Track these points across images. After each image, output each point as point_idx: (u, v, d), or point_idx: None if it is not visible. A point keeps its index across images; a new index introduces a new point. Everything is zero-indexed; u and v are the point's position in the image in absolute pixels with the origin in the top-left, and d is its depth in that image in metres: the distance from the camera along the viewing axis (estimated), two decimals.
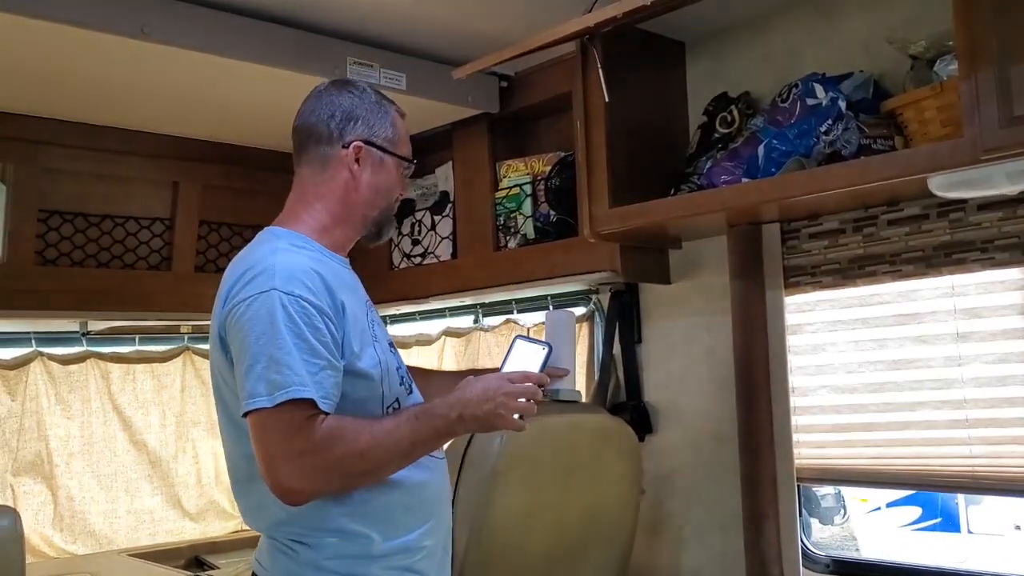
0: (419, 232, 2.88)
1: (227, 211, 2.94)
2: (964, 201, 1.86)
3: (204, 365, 3.32)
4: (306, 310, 1.42)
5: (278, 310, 1.40)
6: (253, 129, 2.70)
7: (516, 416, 1.47)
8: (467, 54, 2.30)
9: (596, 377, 2.57)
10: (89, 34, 1.89)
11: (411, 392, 1.62)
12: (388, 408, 1.52)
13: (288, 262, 1.47)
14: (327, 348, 1.42)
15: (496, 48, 2.14)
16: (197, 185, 2.83)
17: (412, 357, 3.15)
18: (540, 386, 1.50)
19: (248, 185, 2.93)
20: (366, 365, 1.49)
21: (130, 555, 2.96)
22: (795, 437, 2.14)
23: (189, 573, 2.84)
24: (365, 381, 1.49)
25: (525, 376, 1.50)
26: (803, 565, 2.12)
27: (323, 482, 1.42)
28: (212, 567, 2.96)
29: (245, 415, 1.40)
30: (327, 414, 1.40)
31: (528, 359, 1.54)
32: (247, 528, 3.35)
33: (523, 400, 1.47)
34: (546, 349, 1.54)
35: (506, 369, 1.53)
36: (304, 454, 1.38)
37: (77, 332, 3.01)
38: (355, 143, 1.59)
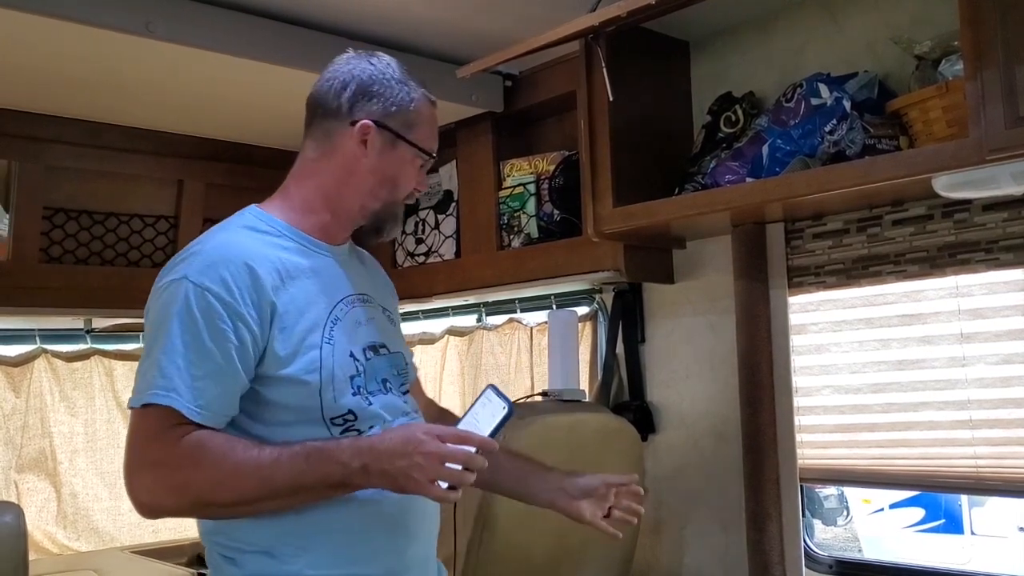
0: (423, 231, 2.88)
1: (231, 209, 2.85)
2: (969, 201, 1.85)
3: None
4: (211, 307, 1.27)
5: (180, 303, 1.28)
6: (257, 127, 2.71)
7: (440, 483, 1.22)
8: (471, 53, 2.30)
9: (599, 377, 2.56)
10: (94, 31, 1.89)
11: (397, 407, 1.43)
12: (333, 419, 1.34)
13: (217, 250, 1.34)
14: (224, 353, 1.27)
15: (500, 47, 2.14)
16: (201, 183, 2.83)
17: (415, 356, 3.15)
18: (485, 451, 1.25)
19: (252, 183, 2.91)
20: (295, 371, 1.32)
21: (133, 552, 2.96)
22: (798, 437, 2.14)
23: (192, 571, 2.84)
24: (295, 388, 1.32)
25: (460, 437, 1.24)
26: (806, 566, 2.11)
27: (172, 502, 1.27)
28: None
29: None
30: (201, 426, 1.25)
31: (484, 417, 1.29)
32: None
33: (451, 466, 1.22)
34: (505, 410, 1.28)
35: (462, 424, 1.29)
36: (157, 466, 1.25)
37: (81, 329, 3.01)
38: (363, 121, 1.41)
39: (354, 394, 1.37)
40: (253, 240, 1.38)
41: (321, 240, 1.46)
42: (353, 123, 1.42)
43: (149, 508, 1.29)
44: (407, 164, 1.46)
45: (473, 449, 1.24)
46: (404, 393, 1.50)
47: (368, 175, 1.44)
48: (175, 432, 1.24)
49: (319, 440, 1.30)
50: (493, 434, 1.28)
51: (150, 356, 1.28)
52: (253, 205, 1.47)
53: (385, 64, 1.46)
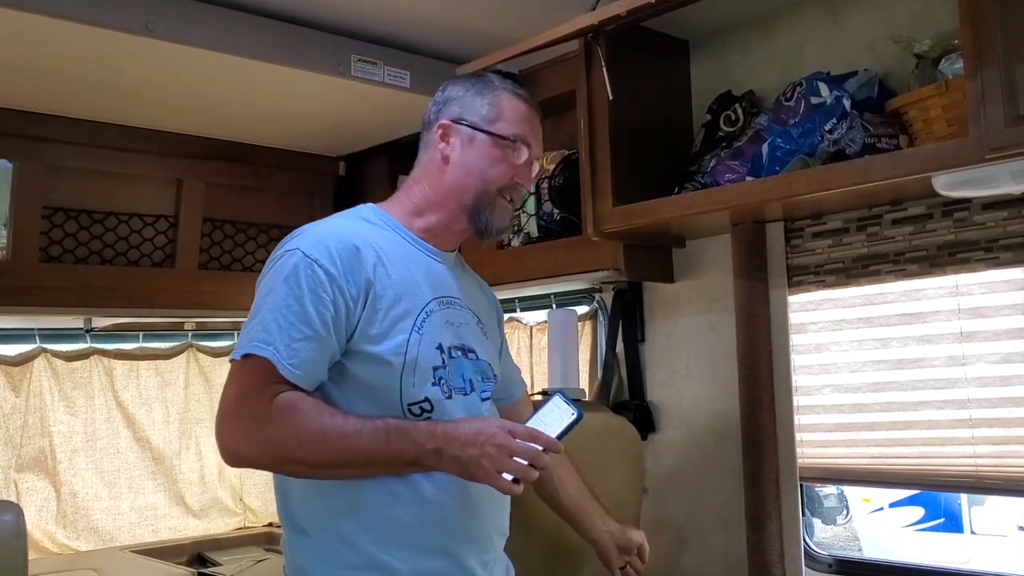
0: None
1: (231, 209, 2.94)
2: (968, 200, 1.85)
3: (207, 362, 3.32)
4: (316, 275, 1.38)
5: (289, 270, 1.39)
6: (257, 126, 2.71)
7: (507, 476, 1.31)
8: (471, 52, 2.30)
9: (599, 376, 2.56)
10: (93, 30, 1.89)
11: (476, 403, 1.51)
12: (409, 406, 1.42)
13: (327, 229, 1.46)
14: (323, 320, 1.37)
15: (500, 46, 2.14)
16: (201, 182, 2.83)
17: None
18: (551, 452, 1.35)
19: (252, 183, 2.93)
20: (382, 350, 1.41)
21: (133, 552, 2.96)
22: (798, 436, 2.14)
23: (192, 570, 2.85)
24: (379, 367, 1.41)
25: (531, 435, 1.34)
26: (806, 565, 2.11)
27: (255, 453, 1.38)
28: (215, 564, 2.96)
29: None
30: (295, 386, 1.35)
31: (552, 420, 1.39)
32: (250, 525, 3.36)
33: (519, 460, 1.31)
34: (574, 415, 1.39)
35: (530, 424, 1.38)
36: (247, 418, 1.35)
37: (81, 329, 3.01)
38: (442, 121, 1.55)
39: (434, 384, 1.45)
40: (363, 227, 1.50)
41: (426, 241, 1.57)
42: (438, 127, 1.56)
43: (234, 455, 1.39)
44: (493, 156, 1.54)
45: (541, 448, 1.33)
46: (485, 400, 1.56)
47: (456, 170, 1.55)
48: (270, 389, 1.34)
49: (400, 419, 1.39)
50: (560, 437, 1.37)
51: (257, 315, 1.39)
52: (370, 203, 1.60)
53: (478, 77, 1.60)
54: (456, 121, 1.55)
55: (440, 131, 1.56)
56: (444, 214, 1.56)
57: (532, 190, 2.50)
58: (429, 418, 1.42)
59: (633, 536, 1.77)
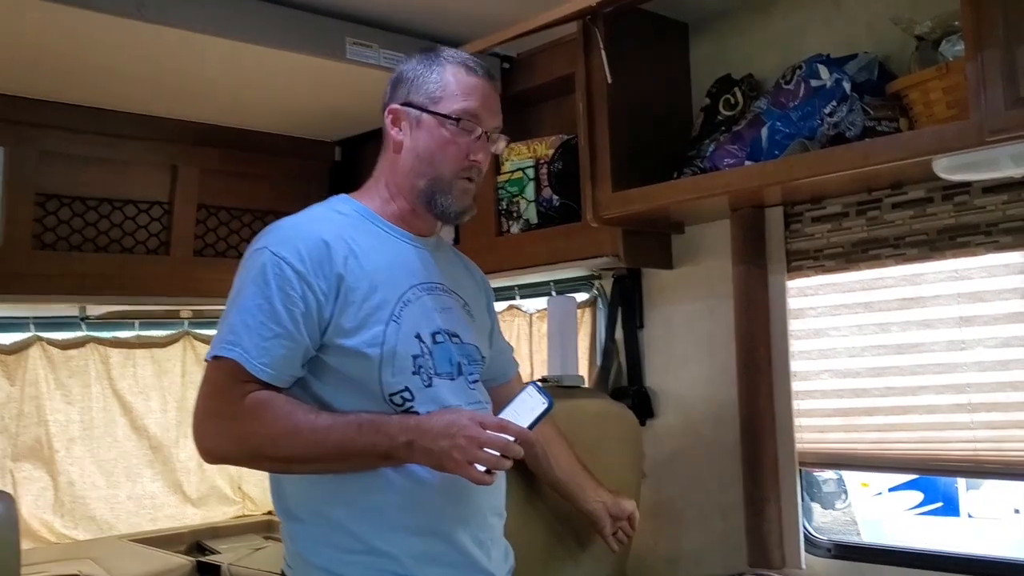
0: None
1: (226, 195, 2.92)
2: (969, 184, 1.84)
3: (204, 350, 3.29)
4: (284, 274, 1.38)
5: (257, 269, 1.40)
6: (251, 112, 2.69)
7: (479, 467, 1.32)
8: (468, 34, 2.28)
9: (598, 362, 2.56)
10: (85, 14, 1.86)
11: (462, 389, 1.51)
12: (391, 396, 1.42)
13: (297, 225, 1.46)
14: (292, 318, 1.38)
15: (498, 28, 2.13)
16: (196, 168, 2.81)
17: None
18: (521, 443, 1.36)
19: (247, 169, 2.91)
20: (358, 343, 1.41)
21: (131, 540, 2.96)
22: (797, 421, 2.13)
23: (190, 558, 2.84)
24: (356, 360, 1.41)
25: (501, 426, 1.35)
26: (805, 549, 2.11)
27: (231, 450, 1.41)
28: (213, 552, 2.96)
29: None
30: (266, 384, 1.37)
31: (525, 409, 1.41)
32: (249, 513, 3.36)
33: (490, 451, 1.33)
34: (545, 405, 1.41)
35: (503, 415, 1.40)
36: (221, 416, 1.38)
37: (76, 317, 3.00)
38: (391, 106, 1.53)
39: (414, 373, 1.44)
40: (334, 220, 1.49)
41: (402, 228, 1.55)
42: (389, 112, 1.53)
43: (211, 453, 1.41)
44: (442, 137, 1.50)
45: (512, 438, 1.35)
46: (474, 383, 1.56)
47: (407, 156, 1.52)
48: (241, 388, 1.36)
49: (374, 413, 1.40)
50: (531, 427, 1.39)
51: (227, 316, 1.41)
52: (344, 194, 1.58)
53: (428, 52, 1.54)
54: (404, 104, 1.52)
55: (391, 117, 1.53)
56: (405, 202, 1.55)
57: (531, 176, 2.49)
58: (411, 406, 1.43)
59: (625, 505, 1.85)
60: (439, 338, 1.50)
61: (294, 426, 1.35)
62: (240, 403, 1.36)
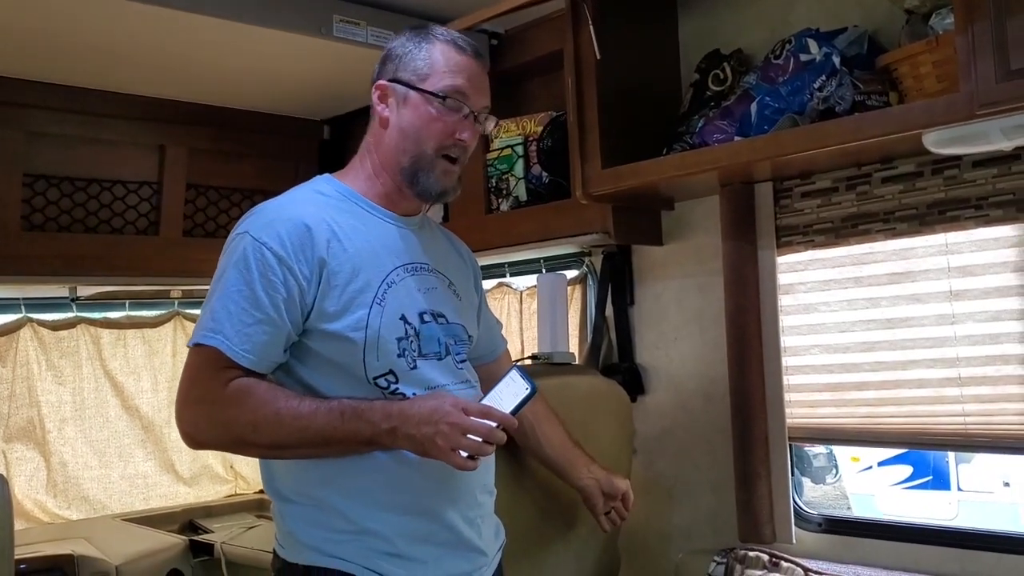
0: None
1: (214, 174, 2.90)
2: (959, 158, 1.84)
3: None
4: (265, 259, 1.38)
5: (238, 255, 1.39)
6: (239, 90, 2.67)
7: (461, 453, 1.33)
8: (456, 10, 2.26)
9: (589, 339, 2.56)
10: None
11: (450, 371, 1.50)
12: (375, 379, 1.42)
13: (278, 209, 1.44)
14: (274, 303, 1.37)
15: (486, 4, 2.10)
16: (184, 148, 2.79)
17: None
18: (505, 428, 1.36)
19: (235, 148, 2.89)
20: (342, 327, 1.40)
21: (124, 520, 2.97)
22: (787, 397, 2.14)
23: (183, 537, 2.86)
24: (340, 344, 1.41)
25: (484, 412, 1.36)
26: (795, 524, 2.13)
27: (214, 436, 1.41)
28: (206, 531, 2.97)
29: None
30: (248, 371, 1.37)
31: (508, 395, 1.40)
32: (241, 492, 3.37)
33: (472, 437, 1.33)
34: (528, 390, 1.40)
35: (486, 400, 1.40)
36: (203, 402, 1.38)
37: (66, 298, 2.99)
38: (379, 82, 1.52)
39: (399, 356, 1.44)
40: (316, 202, 1.47)
41: (386, 208, 1.54)
42: (376, 88, 1.52)
43: (193, 439, 1.41)
44: (427, 114, 1.49)
45: (494, 424, 1.35)
46: (461, 363, 1.56)
47: (393, 132, 1.51)
48: (223, 375, 1.36)
49: (357, 399, 1.39)
50: (514, 412, 1.38)
51: (209, 302, 1.40)
52: (327, 173, 1.57)
53: (417, 30, 1.53)
54: (392, 80, 1.51)
55: (378, 92, 1.53)
56: (389, 180, 1.53)
57: (520, 153, 2.48)
58: (396, 388, 1.43)
59: (618, 484, 1.82)
60: (426, 318, 1.50)
61: (275, 413, 1.35)
62: (222, 390, 1.36)
